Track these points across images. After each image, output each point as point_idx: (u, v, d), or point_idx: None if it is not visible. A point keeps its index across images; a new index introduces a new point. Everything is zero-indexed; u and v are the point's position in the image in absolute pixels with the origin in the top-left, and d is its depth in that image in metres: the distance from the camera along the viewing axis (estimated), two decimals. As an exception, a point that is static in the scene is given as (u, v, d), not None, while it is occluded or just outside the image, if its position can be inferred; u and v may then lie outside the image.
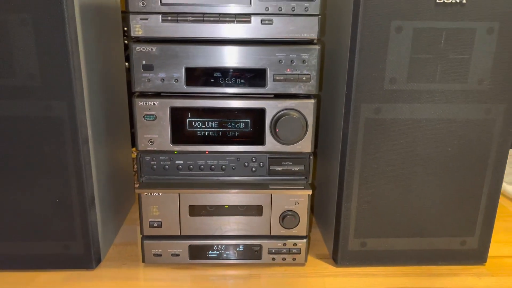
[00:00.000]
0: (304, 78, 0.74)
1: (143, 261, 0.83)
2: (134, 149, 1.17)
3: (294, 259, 0.84)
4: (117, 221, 0.98)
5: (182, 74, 0.74)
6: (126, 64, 1.05)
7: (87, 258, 0.82)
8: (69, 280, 0.80)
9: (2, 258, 0.81)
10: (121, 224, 1.01)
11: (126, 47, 1.10)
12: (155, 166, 0.79)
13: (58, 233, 0.80)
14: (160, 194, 0.79)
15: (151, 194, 0.79)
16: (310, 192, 0.80)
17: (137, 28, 0.72)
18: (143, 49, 0.72)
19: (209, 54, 0.73)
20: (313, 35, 0.73)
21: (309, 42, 0.74)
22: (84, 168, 0.77)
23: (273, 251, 0.83)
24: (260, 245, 0.83)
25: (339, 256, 0.84)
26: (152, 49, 0.72)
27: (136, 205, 1.11)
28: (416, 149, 0.78)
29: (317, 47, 0.73)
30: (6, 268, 0.82)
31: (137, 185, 0.80)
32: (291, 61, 0.74)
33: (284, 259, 0.84)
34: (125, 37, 0.71)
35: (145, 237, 0.82)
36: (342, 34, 0.78)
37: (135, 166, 1.22)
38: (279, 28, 0.72)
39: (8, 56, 0.70)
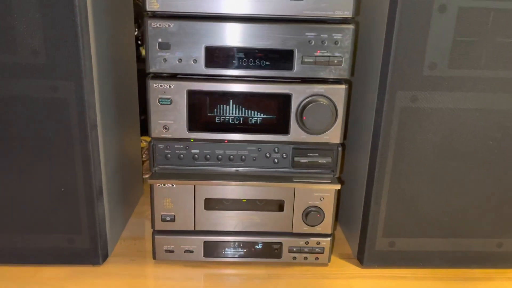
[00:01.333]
0: (335, 61, 0.68)
1: (154, 257, 0.78)
2: (143, 137, 1.11)
3: (316, 258, 0.78)
4: (125, 213, 0.92)
5: (201, 54, 0.67)
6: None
7: (93, 253, 0.76)
8: (73, 277, 0.74)
9: (2, 252, 0.76)
10: (129, 217, 0.95)
11: (138, 26, 1.04)
12: (169, 155, 0.73)
13: (62, 225, 0.74)
14: (174, 185, 0.73)
15: (164, 185, 0.73)
16: (338, 186, 0.73)
17: (153, 1, 0.65)
18: (159, 25, 0.66)
19: (232, 32, 0.67)
20: (348, 13, 0.66)
21: (343, 21, 0.67)
22: (92, 156, 0.70)
23: (294, 249, 0.77)
24: (280, 243, 0.77)
25: (365, 256, 0.78)
26: (169, 26, 0.66)
27: (144, 197, 1.05)
28: (454, 142, 0.72)
29: (352, 26, 0.67)
30: (6, 262, 0.77)
31: (149, 175, 0.74)
32: (321, 41, 0.67)
33: (305, 258, 0.78)
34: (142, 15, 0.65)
35: (156, 232, 0.77)
36: (378, 13, 0.71)
37: (143, 156, 1.17)
38: (310, 5, 0.66)
39: (10, 30, 0.63)
